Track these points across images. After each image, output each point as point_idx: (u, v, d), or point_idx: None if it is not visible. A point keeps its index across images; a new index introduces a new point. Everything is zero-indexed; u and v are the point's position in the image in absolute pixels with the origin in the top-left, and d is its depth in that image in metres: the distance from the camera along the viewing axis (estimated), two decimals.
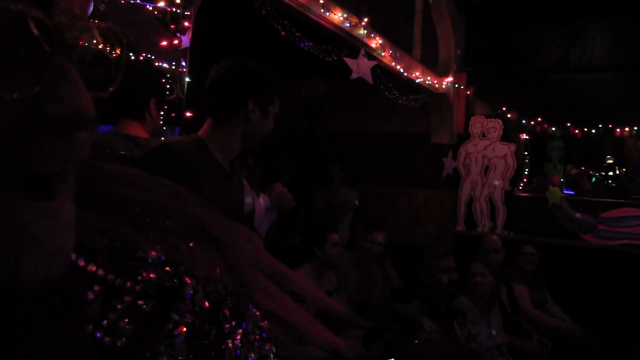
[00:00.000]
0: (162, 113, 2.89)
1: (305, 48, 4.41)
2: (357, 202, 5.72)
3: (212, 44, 5.48)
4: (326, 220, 5.14)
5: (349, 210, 5.62)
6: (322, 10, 3.80)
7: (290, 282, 0.54)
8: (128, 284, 0.44)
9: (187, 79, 2.95)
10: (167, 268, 0.46)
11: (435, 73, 5.81)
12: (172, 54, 2.88)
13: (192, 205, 0.51)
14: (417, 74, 5.33)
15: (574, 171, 6.29)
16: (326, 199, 5.73)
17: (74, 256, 0.43)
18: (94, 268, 0.44)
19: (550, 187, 5.93)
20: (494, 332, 3.58)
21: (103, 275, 0.44)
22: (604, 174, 6.16)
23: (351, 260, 3.99)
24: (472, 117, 6.23)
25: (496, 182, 6.04)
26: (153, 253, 0.46)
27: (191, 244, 0.47)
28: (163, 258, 0.46)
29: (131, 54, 2.96)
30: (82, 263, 0.43)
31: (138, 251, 0.45)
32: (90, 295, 0.42)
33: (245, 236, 0.53)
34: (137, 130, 2.06)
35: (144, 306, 0.44)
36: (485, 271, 3.69)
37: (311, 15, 3.75)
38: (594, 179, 6.28)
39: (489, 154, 6.10)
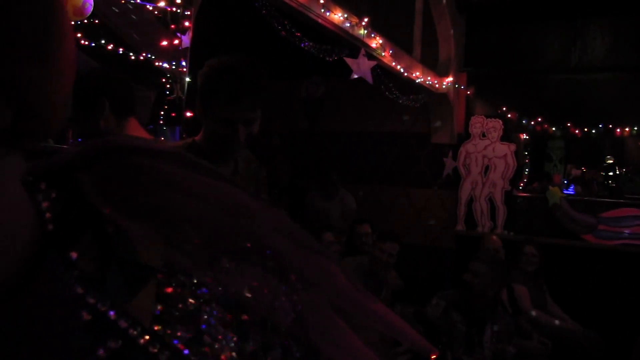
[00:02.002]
0: (162, 113, 2.89)
1: (306, 48, 4.41)
2: (354, 206, 5.62)
3: (213, 44, 5.48)
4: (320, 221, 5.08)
5: (350, 217, 5.51)
6: (322, 10, 3.80)
7: (376, 318, 0.43)
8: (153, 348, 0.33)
9: (188, 79, 2.95)
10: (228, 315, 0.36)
11: (435, 73, 5.81)
12: (172, 53, 2.88)
13: (265, 226, 0.40)
14: (417, 74, 5.33)
15: (574, 171, 6.29)
16: (322, 203, 5.58)
17: None
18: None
19: (551, 187, 5.93)
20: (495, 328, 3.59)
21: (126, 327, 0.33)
22: (603, 174, 6.16)
23: (359, 265, 3.99)
24: (472, 117, 6.23)
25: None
26: (209, 280, 0.36)
27: (268, 280, 0.38)
28: (217, 294, 0.36)
29: (131, 54, 2.96)
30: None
31: (200, 284, 0.36)
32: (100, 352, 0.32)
33: (325, 267, 0.42)
34: (141, 131, 2.04)
35: None
36: None
37: (311, 15, 3.75)
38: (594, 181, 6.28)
39: (489, 154, 6.09)
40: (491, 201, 6.09)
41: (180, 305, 0.34)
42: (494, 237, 5.01)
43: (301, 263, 0.40)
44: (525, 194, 6.17)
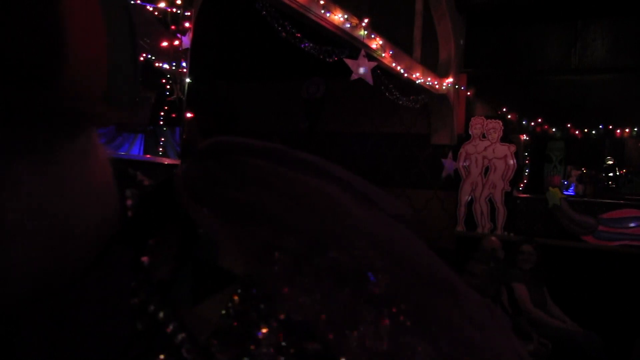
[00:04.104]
0: (162, 114, 2.90)
1: (306, 49, 4.41)
2: None
3: (213, 45, 5.49)
4: None
5: None
6: (322, 11, 3.81)
7: None
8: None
9: (188, 80, 2.95)
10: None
11: (435, 74, 5.81)
12: (172, 54, 2.89)
13: (375, 243, 0.33)
14: (418, 74, 5.33)
15: (574, 172, 6.29)
16: None
17: None
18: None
19: (551, 188, 5.93)
20: None
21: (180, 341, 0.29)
22: (604, 175, 6.16)
23: None
24: (472, 118, 6.23)
25: None
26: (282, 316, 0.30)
27: (354, 307, 0.30)
28: (282, 313, 0.30)
29: None
30: None
31: (268, 297, 0.30)
32: None
33: (449, 308, 0.33)
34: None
35: None
36: None
37: (311, 16, 3.76)
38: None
39: (489, 155, 6.10)
40: (491, 202, 6.09)
41: (241, 319, 0.30)
42: (493, 237, 5.01)
43: (415, 299, 0.32)
44: (525, 195, 6.17)
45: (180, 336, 0.29)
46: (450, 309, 0.33)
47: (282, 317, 0.30)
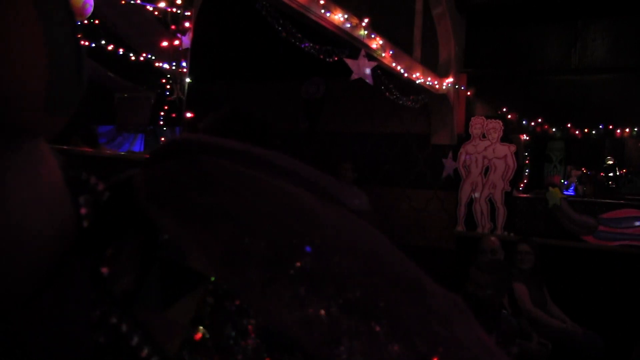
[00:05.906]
0: (162, 114, 2.90)
1: (306, 49, 4.42)
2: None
3: (213, 45, 5.49)
4: None
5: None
6: (322, 11, 3.80)
7: None
8: None
9: (188, 80, 2.95)
10: None
11: (435, 74, 5.81)
12: (172, 54, 2.89)
13: (347, 247, 0.31)
14: (418, 74, 5.33)
15: (574, 172, 6.29)
16: None
17: None
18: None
19: (551, 188, 5.93)
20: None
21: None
22: (604, 175, 6.16)
23: None
24: (472, 118, 6.23)
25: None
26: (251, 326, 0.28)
27: (334, 318, 0.28)
28: (261, 326, 0.28)
29: (131, 54, 2.96)
30: None
31: (244, 311, 0.28)
32: None
33: (425, 311, 0.32)
34: None
35: None
36: None
37: (311, 16, 3.76)
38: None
39: (489, 155, 6.09)
40: (491, 202, 6.09)
41: (216, 334, 0.28)
42: (493, 237, 5.01)
43: (387, 300, 0.30)
44: (525, 195, 6.17)
45: (146, 349, 0.28)
46: (419, 307, 0.31)
47: (259, 328, 0.28)
